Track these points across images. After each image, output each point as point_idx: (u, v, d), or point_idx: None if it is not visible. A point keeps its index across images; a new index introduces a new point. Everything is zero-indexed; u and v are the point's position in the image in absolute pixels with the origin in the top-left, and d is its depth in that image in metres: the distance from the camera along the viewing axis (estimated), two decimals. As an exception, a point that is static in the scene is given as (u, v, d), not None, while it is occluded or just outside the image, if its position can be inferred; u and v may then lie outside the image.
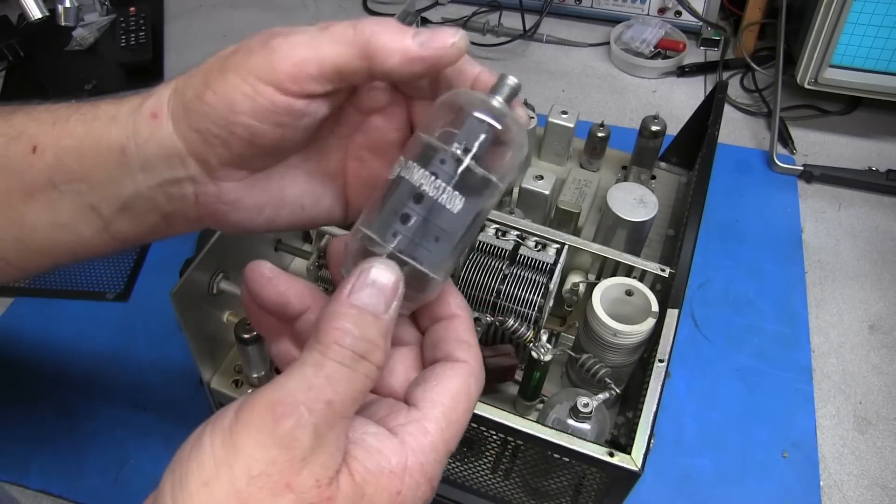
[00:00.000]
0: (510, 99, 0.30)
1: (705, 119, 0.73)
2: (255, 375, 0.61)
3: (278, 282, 0.31)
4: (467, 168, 0.28)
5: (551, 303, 0.60)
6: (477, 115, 0.29)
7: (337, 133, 0.35)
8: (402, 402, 0.30)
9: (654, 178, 0.80)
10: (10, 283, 0.35)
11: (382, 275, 0.27)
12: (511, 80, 0.30)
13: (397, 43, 0.28)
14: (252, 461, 0.23)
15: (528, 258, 0.60)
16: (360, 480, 0.25)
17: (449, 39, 0.28)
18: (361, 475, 0.26)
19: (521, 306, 0.58)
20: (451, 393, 0.29)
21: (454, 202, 0.28)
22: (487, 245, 0.61)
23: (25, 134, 0.32)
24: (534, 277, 0.59)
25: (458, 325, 0.32)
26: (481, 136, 0.29)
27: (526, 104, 0.79)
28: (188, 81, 0.30)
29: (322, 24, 0.29)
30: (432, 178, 0.28)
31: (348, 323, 0.26)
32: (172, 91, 0.31)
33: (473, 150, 0.28)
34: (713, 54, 1.13)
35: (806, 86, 0.92)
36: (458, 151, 0.28)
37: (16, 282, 0.36)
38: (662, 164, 0.82)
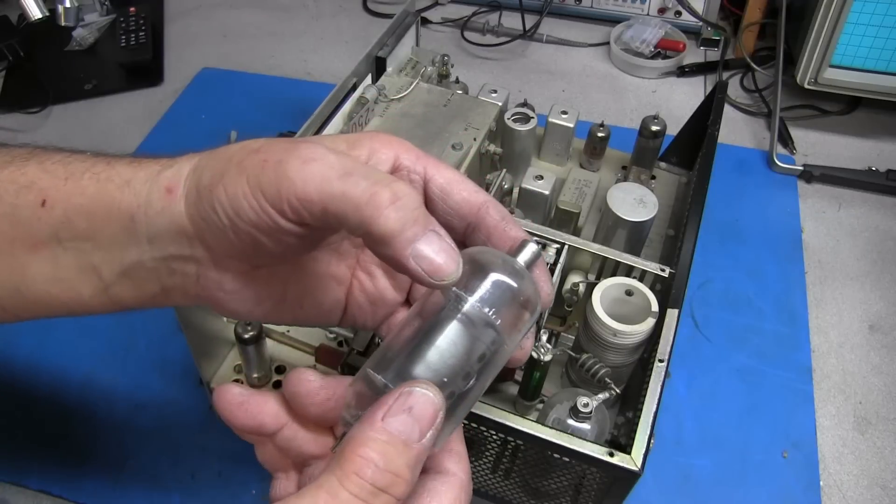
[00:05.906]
0: (531, 264, 0.31)
1: (705, 119, 0.73)
2: (255, 375, 0.61)
3: (249, 405, 0.31)
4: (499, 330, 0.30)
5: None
6: (506, 280, 0.30)
7: (351, 240, 0.34)
8: None
9: (654, 178, 0.80)
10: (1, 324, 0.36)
11: (422, 401, 0.26)
12: (533, 247, 0.31)
13: (396, 246, 0.27)
14: None
15: (528, 258, 0.60)
16: None
17: (438, 277, 0.27)
18: None
19: (521, 306, 0.58)
20: None
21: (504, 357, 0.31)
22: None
23: (37, 185, 0.31)
24: (534, 277, 0.59)
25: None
26: (511, 299, 0.30)
27: (526, 104, 0.79)
28: (208, 164, 0.30)
29: (349, 167, 0.28)
30: (490, 340, 0.29)
31: (373, 452, 0.25)
32: (192, 169, 0.30)
33: (533, 323, 0.31)
34: (713, 54, 1.13)
35: (806, 86, 0.92)
36: (491, 315, 0.29)
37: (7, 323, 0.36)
38: (662, 164, 0.82)
